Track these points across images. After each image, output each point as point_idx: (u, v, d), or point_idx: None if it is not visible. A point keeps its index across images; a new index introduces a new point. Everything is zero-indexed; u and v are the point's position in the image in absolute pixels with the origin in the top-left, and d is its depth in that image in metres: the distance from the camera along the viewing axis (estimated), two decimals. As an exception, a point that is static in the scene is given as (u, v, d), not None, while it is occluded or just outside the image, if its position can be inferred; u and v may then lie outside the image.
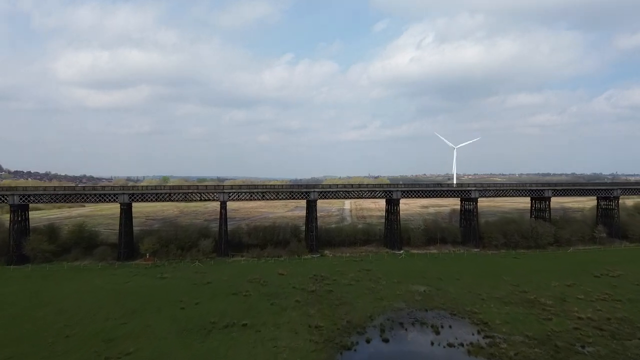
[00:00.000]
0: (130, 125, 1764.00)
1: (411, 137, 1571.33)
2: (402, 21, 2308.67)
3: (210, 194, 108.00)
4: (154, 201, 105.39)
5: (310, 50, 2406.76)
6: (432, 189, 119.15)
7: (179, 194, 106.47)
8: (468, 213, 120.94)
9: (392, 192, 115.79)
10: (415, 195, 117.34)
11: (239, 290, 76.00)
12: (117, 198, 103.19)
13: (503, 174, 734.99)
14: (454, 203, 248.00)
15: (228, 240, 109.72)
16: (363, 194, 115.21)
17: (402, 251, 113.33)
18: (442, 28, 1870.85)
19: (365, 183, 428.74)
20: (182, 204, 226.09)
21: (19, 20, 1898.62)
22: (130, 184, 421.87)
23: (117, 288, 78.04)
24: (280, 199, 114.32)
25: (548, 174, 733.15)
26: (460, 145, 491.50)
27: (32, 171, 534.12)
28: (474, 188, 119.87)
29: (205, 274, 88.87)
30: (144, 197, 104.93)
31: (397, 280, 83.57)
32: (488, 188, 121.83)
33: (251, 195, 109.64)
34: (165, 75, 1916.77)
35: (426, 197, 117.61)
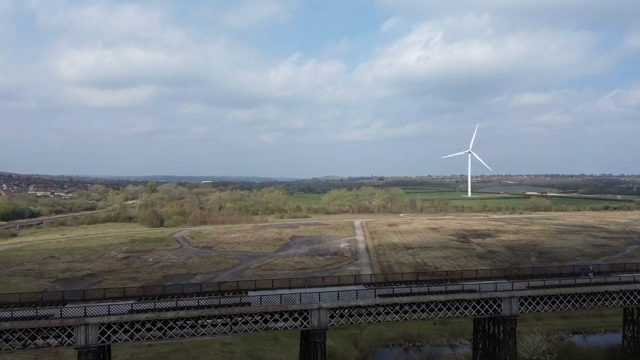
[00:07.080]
0: (132, 125, 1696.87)
1: (415, 137, 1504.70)
2: (410, 19, 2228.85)
3: (52, 334, 38.56)
4: None
5: (317, 48, 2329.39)
6: (595, 289, 47.98)
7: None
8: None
9: (500, 301, 46.17)
10: (558, 307, 48.18)
11: None
12: None
13: (510, 175, 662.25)
14: (466, 221, 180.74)
15: None
16: (434, 313, 45.88)
17: None
18: (451, 27, 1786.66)
19: (374, 190, 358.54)
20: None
21: (25, 19, 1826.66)
22: (110, 192, 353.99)
23: None
24: (235, 334, 44.72)
25: (557, 175, 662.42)
26: (475, 154, 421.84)
27: (13, 174, 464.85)
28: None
29: None
30: None
31: None
32: None
33: (163, 332, 40.73)
34: (169, 74, 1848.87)
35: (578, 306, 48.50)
